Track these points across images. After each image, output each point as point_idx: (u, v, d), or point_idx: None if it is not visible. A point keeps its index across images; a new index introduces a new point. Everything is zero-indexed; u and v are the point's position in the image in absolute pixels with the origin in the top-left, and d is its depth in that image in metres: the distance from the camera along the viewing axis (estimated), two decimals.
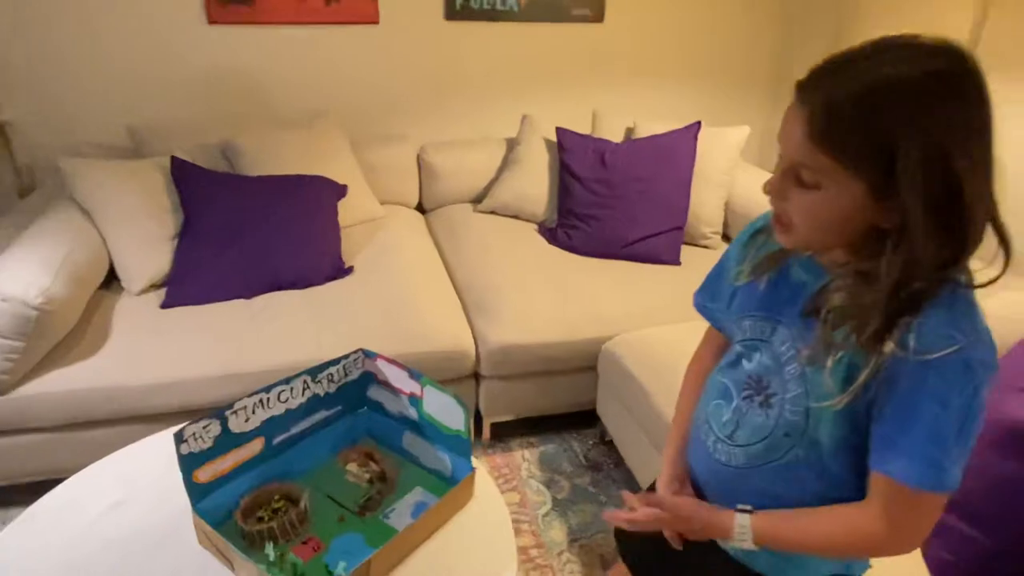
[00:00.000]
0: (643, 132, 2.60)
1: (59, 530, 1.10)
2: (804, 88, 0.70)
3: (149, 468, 1.23)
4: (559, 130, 2.60)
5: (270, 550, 1.02)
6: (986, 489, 1.09)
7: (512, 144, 2.77)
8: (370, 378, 1.27)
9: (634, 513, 0.87)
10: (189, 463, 1.03)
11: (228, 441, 1.08)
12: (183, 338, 1.83)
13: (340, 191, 2.37)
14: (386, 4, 2.63)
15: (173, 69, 2.51)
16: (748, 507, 0.84)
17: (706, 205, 2.50)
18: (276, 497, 1.13)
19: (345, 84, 2.73)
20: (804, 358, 0.77)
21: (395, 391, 1.24)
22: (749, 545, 0.80)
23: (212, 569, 1.04)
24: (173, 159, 2.16)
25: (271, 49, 2.58)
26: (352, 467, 1.24)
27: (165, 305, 1.97)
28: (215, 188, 2.16)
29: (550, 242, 2.50)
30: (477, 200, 2.78)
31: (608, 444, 2.16)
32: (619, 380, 1.88)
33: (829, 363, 0.73)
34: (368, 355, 1.25)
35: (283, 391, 1.14)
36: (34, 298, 1.61)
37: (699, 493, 0.95)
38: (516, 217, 2.68)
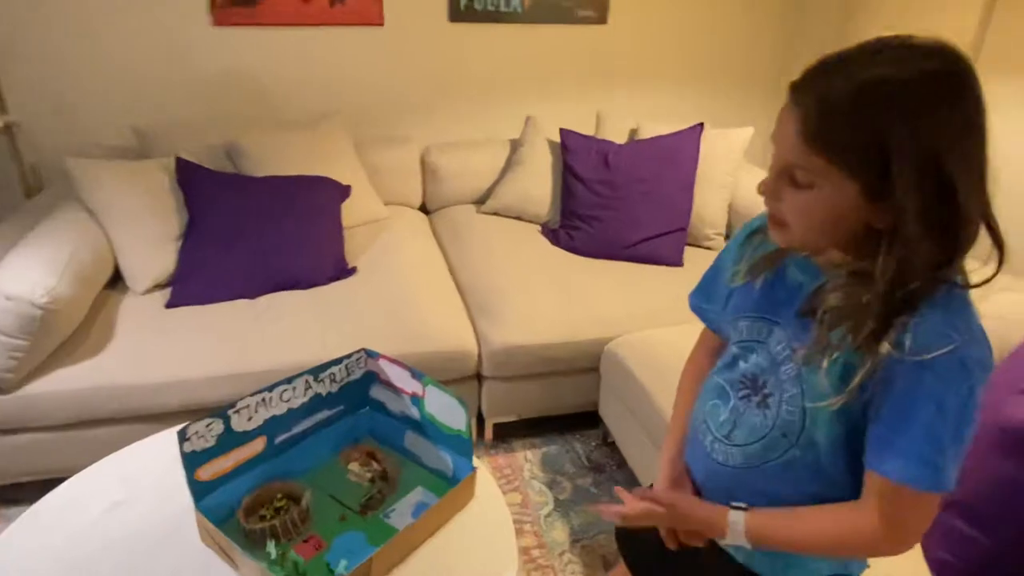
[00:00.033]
0: (646, 133, 2.60)
1: (62, 528, 1.11)
2: (798, 89, 0.70)
3: (152, 467, 1.24)
4: (562, 131, 2.61)
5: (272, 548, 1.02)
6: (987, 490, 1.09)
7: (516, 145, 2.77)
8: (372, 378, 1.28)
9: (626, 507, 0.87)
10: (192, 461, 1.03)
11: (230, 440, 1.08)
12: (187, 338, 1.83)
13: (344, 192, 2.37)
14: (391, 6, 2.64)
15: (178, 71, 2.52)
16: (743, 505, 0.84)
17: (709, 206, 2.50)
18: (278, 496, 1.14)
19: (349, 85, 2.74)
20: (800, 358, 0.77)
21: (397, 391, 1.24)
22: (743, 542, 0.80)
23: (214, 567, 1.04)
24: (178, 160, 2.18)
25: (276, 51, 2.59)
26: (354, 466, 1.24)
27: (169, 305, 1.98)
28: (219, 189, 2.17)
29: (553, 243, 2.50)
30: (480, 201, 2.79)
31: (611, 445, 2.16)
32: (621, 381, 1.88)
33: (825, 363, 0.73)
34: (370, 355, 1.26)
35: (285, 390, 1.14)
36: (39, 297, 1.62)
37: (697, 494, 0.95)
38: (519, 218, 2.68)
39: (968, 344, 0.68)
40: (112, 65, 2.44)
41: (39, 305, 1.61)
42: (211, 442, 1.05)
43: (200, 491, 1.06)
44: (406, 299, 2.05)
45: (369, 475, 1.22)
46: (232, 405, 1.07)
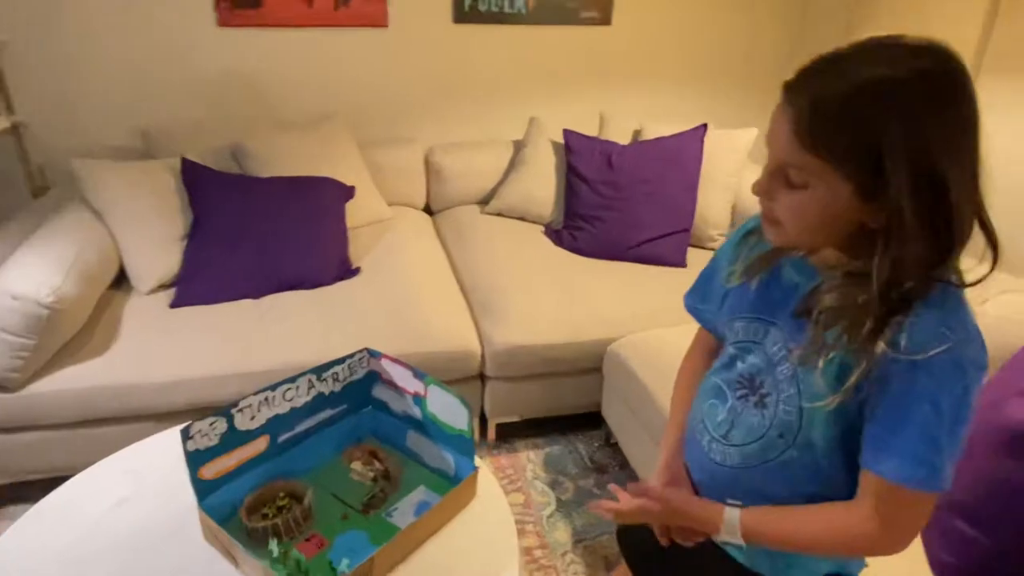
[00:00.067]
0: (650, 134, 2.60)
1: (66, 526, 1.11)
2: (791, 88, 0.71)
3: (155, 465, 1.24)
4: (566, 132, 2.61)
5: (274, 547, 1.03)
6: (988, 491, 1.08)
7: (519, 146, 2.78)
8: (375, 377, 1.28)
9: (620, 504, 0.87)
10: (195, 460, 1.04)
11: (234, 439, 1.09)
12: (192, 337, 1.84)
13: (348, 192, 2.38)
14: (395, 7, 2.65)
15: (184, 72, 2.53)
16: (739, 503, 0.84)
17: (713, 207, 2.50)
18: (281, 494, 1.14)
19: (354, 86, 2.75)
20: (796, 359, 0.77)
21: (399, 390, 1.24)
22: (737, 538, 0.80)
23: (217, 565, 1.05)
24: (183, 160, 2.19)
25: (280, 52, 2.60)
26: (356, 465, 1.25)
27: (174, 304, 1.99)
28: (224, 189, 2.18)
29: (556, 244, 2.50)
30: (484, 202, 2.79)
31: (613, 446, 2.16)
32: (624, 382, 1.89)
33: (821, 364, 0.73)
34: (373, 354, 1.26)
35: (288, 389, 1.15)
36: (45, 297, 1.63)
37: (695, 493, 0.95)
38: (523, 219, 2.68)
39: (963, 343, 0.68)
40: (118, 66, 2.45)
41: (45, 304, 1.62)
42: (214, 441, 1.06)
43: (203, 489, 1.06)
44: (409, 299, 2.05)
45: (371, 474, 1.22)
46: (235, 404, 1.07)
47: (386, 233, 2.48)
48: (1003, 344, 1.62)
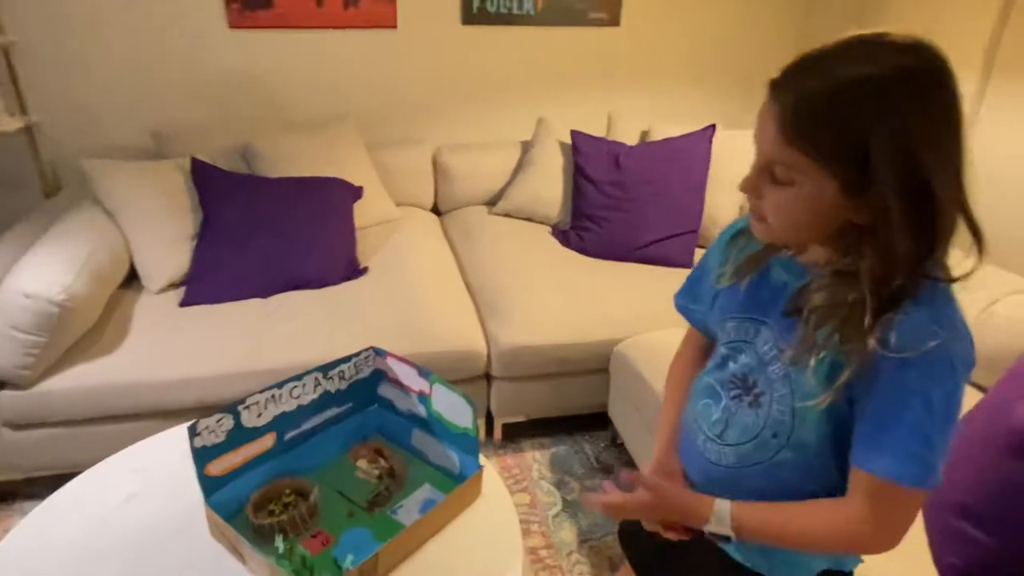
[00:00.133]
0: (658, 135, 2.60)
1: (75, 522, 1.12)
2: (777, 86, 0.71)
3: (163, 462, 1.25)
4: (574, 133, 2.61)
5: (280, 543, 1.03)
6: (994, 493, 1.08)
7: (527, 147, 2.78)
8: (380, 376, 1.29)
9: (608, 496, 0.87)
10: (202, 456, 1.05)
11: (240, 436, 1.09)
12: (201, 336, 1.86)
13: (356, 193, 2.39)
14: (404, 8, 2.66)
15: (194, 73, 2.55)
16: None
17: (721, 208, 2.49)
18: (287, 491, 1.15)
19: (362, 87, 2.76)
20: (787, 358, 0.78)
21: (405, 389, 1.25)
22: (726, 529, 0.80)
23: (223, 561, 1.05)
24: (193, 160, 2.21)
25: (290, 53, 2.62)
26: (362, 463, 1.25)
27: (184, 303, 2.00)
28: (234, 189, 2.19)
29: (563, 244, 2.50)
30: (492, 202, 2.80)
31: (620, 447, 2.16)
32: (630, 382, 1.88)
33: (812, 363, 0.74)
34: (379, 353, 1.27)
35: (295, 387, 1.16)
36: (56, 295, 1.64)
37: None
38: (530, 219, 2.69)
39: (952, 340, 0.68)
40: (129, 67, 2.48)
41: (56, 303, 1.64)
42: (221, 438, 1.07)
43: (210, 486, 1.07)
44: (416, 299, 2.06)
45: (377, 472, 1.23)
46: (242, 401, 1.08)
47: (394, 233, 2.49)
48: (1012, 344, 1.61)
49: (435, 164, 2.79)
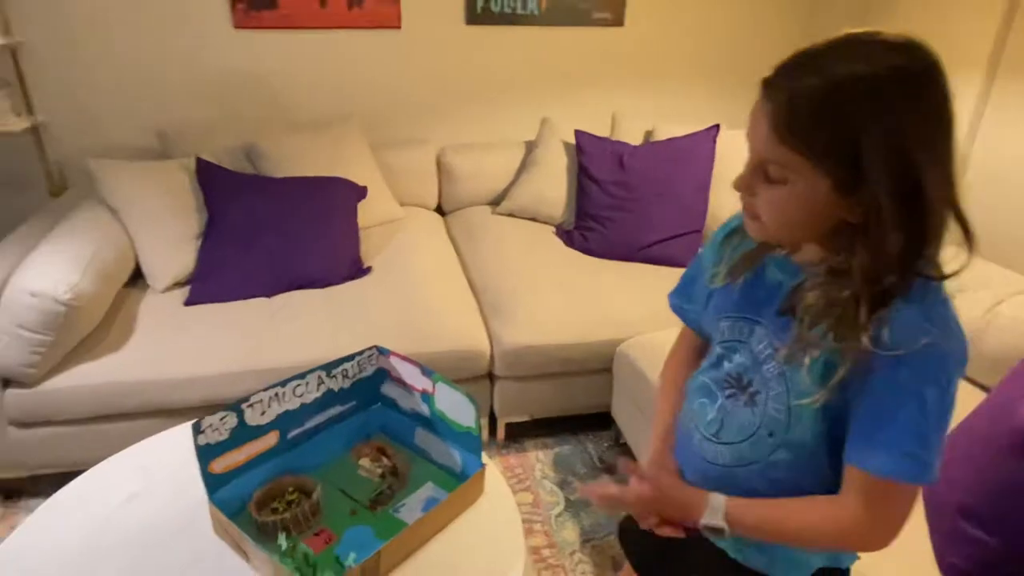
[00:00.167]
0: (662, 135, 2.60)
1: (79, 519, 1.13)
2: (769, 85, 0.71)
3: (168, 460, 1.26)
4: (577, 133, 2.61)
5: (283, 541, 1.04)
6: (995, 493, 1.07)
7: (531, 147, 2.78)
8: (384, 374, 1.29)
9: (607, 487, 0.87)
10: (206, 454, 1.05)
11: (244, 434, 1.10)
12: (205, 335, 1.87)
13: (360, 193, 2.40)
14: (408, 8, 2.66)
15: (199, 73, 2.56)
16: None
17: (725, 208, 2.49)
18: (290, 489, 1.15)
19: (366, 87, 2.77)
20: (782, 357, 0.78)
21: (408, 388, 1.25)
22: (720, 522, 0.80)
23: (227, 559, 1.06)
24: (198, 160, 2.21)
25: (295, 53, 2.63)
26: (364, 462, 1.26)
27: (189, 302, 2.01)
28: (238, 189, 2.20)
29: (567, 244, 2.50)
30: (495, 202, 2.80)
31: (623, 446, 2.16)
32: (633, 382, 1.88)
33: (807, 361, 0.74)
34: (382, 352, 1.27)
35: (298, 386, 1.16)
36: (63, 294, 1.65)
37: None
38: (534, 219, 2.69)
39: (945, 338, 0.69)
40: (135, 67, 2.49)
41: (62, 301, 1.65)
42: (225, 436, 1.07)
43: (214, 484, 1.08)
44: (420, 299, 2.07)
45: (379, 470, 1.23)
46: (246, 399, 1.08)
47: (398, 233, 2.50)
48: (1017, 345, 1.61)
49: (439, 164, 2.80)
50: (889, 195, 0.66)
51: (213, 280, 2.06)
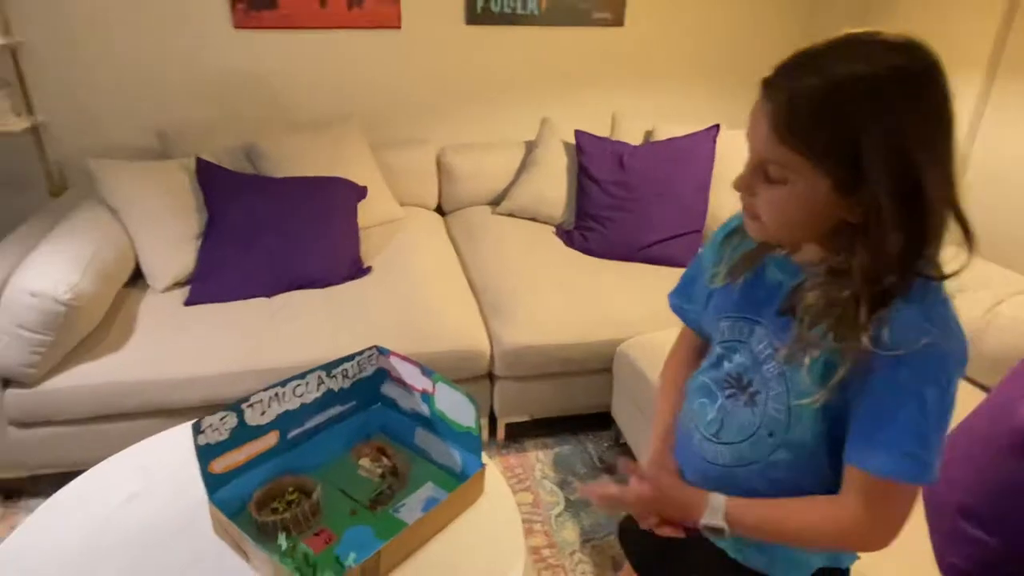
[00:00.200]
0: (662, 135, 2.60)
1: (79, 519, 1.13)
2: (769, 85, 0.71)
3: (167, 460, 1.26)
4: (577, 133, 2.61)
5: (283, 541, 1.04)
6: (995, 493, 1.07)
7: (531, 147, 2.79)
8: (384, 375, 1.29)
9: (608, 487, 0.87)
10: (206, 454, 1.05)
11: (244, 434, 1.10)
12: (205, 335, 1.87)
13: (360, 193, 2.40)
14: (408, 9, 2.66)
15: (200, 73, 2.56)
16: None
17: (725, 208, 2.49)
18: (290, 489, 1.15)
19: (366, 87, 2.77)
20: (782, 357, 0.78)
21: (408, 388, 1.25)
22: (719, 521, 0.80)
23: (227, 558, 1.06)
24: (198, 160, 2.21)
25: (294, 53, 2.63)
26: (364, 462, 1.26)
27: (189, 302, 2.01)
28: (238, 189, 2.20)
29: (567, 244, 2.50)
30: (495, 202, 2.80)
31: (623, 446, 2.16)
32: (633, 382, 1.88)
33: (807, 361, 0.74)
34: (382, 352, 1.27)
35: (298, 386, 1.16)
36: (63, 294, 1.65)
37: None
38: (534, 219, 2.69)
39: (945, 338, 0.69)
40: (135, 67, 2.49)
41: (62, 301, 1.65)
42: (225, 435, 1.07)
43: (214, 484, 1.08)
44: (420, 299, 2.07)
45: (379, 470, 1.23)
46: (246, 399, 1.08)
47: (398, 233, 2.50)
48: (1017, 345, 1.61)
49: (439, 164, 2.80)
50: (889, 195, 0.66)
51: (213, 280, 2.06)
